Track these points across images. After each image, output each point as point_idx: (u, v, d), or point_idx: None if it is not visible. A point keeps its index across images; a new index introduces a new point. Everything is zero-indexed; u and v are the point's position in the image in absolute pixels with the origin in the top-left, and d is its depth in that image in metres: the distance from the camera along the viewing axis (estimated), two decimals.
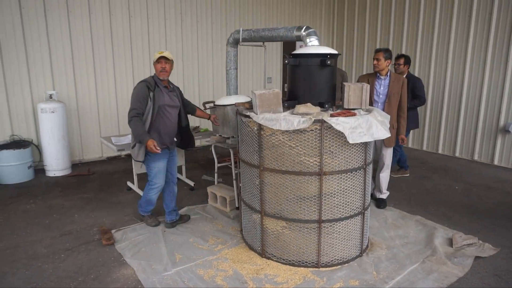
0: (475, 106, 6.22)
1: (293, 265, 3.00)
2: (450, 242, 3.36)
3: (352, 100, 3.08)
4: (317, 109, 2.91)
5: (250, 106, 3.30)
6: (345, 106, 3.11)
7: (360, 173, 2.95)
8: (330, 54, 3.04)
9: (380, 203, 4.23)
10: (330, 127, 2.68)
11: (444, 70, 6.58)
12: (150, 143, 3.07)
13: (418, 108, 5.20)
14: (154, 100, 3.27)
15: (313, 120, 2.66)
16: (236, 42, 4.31)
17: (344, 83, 3.12)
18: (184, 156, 5.07)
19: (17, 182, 5.09)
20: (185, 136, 3.76)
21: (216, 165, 4.58)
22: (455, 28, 6.35)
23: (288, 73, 3.27)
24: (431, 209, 4.22)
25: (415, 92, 4.96)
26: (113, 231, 3.61)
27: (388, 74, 4.05)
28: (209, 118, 3.96)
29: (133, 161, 4.36)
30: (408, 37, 7.14)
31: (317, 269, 2.96)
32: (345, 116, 2.76)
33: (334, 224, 2.93)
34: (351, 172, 2.88)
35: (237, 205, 4.05)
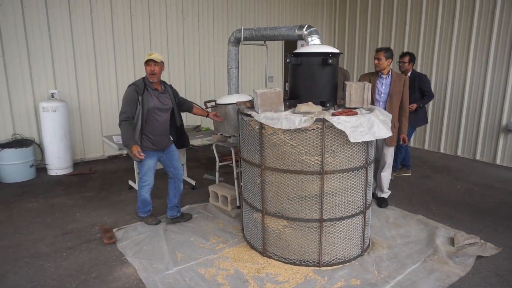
0: (477, 105, 6.20)
1: (294, 264, 3.00)
2: (452, 242, 3.35)
3: (354, 99, 3.08)
4: (319, 108, 2.91)
5: (251, 105, 3.30)
6: (347, 105, 3.11)
7: (361, 172, 2.95)
8: (332, 53, 3.04)
9: (381, 202, 4.23)
10: (332, 126, 2.67)
11: (446, 69, 6.56)
12: (134, 149, 3.21)
13: None
14: (142, 103, 3.30)
15: (314, 119, 2.65)
16: (237, 41, 4.31)
17: (346, 82, 3.12)
18: (185, 155, 5.07)
19: (19, 181, 5.11)
20: (179, 136, 3.76)
21: (218, 164, 4.58)
22: (457, 27, 6.33)
23: (290, 72, 3.27)
24: (432, 208, 4.22)
25: (422, 89, 4.95)
26: (114, 230, 3.61)
27: (390, 73, 4.05)
28: (207, 116, 3.93)
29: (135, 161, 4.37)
30: (410, 36, 7.12)
31: (318, 268, 2.96)
32: (347, 115, 2.76)
33: (335, 223, 2.93)
34: (353, 171, 2.88)
35: (238, 204, 4.05)
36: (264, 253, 3.14)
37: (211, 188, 4.27)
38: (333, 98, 3.17)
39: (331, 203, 2.88)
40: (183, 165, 5.09)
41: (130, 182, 4.89)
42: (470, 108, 6.31)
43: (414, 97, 4.90)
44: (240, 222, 3.68)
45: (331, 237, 2.95)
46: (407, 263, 3.03)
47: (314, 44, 3.40)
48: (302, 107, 2.87)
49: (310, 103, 2.95)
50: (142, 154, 3.23)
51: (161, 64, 3.38)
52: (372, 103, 4.02)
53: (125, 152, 5.85)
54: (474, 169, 5.72)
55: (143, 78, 3.42)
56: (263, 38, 4.12)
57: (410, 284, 2.75)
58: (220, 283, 2.76)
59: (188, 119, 6.74)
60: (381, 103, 4.07)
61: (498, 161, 5.97)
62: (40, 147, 5.58)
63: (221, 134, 4.19)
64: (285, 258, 3.04)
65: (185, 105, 3.84)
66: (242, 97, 3.95)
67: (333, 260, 3.01)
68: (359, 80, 4.16)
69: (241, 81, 7.07)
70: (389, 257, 3.14)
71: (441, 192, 4.74)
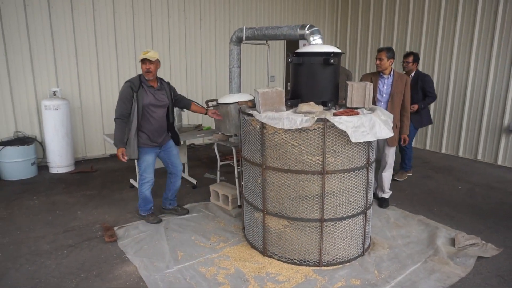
0: (479, 105, 6.19)
1: (294, 263, 3.01)
2: (453, 242, 3.35)
3: (355, 99, 3.07)
4: (320, 108, 2.91)
5: (253, 104, 3.30)
6: (348, 105, 3.10)
7: (362, 172, 2.94)
8: (334, 53, 3.03)
9: (382, 203, 4.22)
10: (333, 126, 2.67)
11: (448, 69, 6.54)
12: (119, 151, 3.40)
13: None
14: (137, 100, 3.35)
15: (316, 119, 2.65)
16: (239, 40, 4.31)
17: (348, 82, 3.11)
18: (186, 154, 5.08)
19: (21, 178, 5.12)
20: (172, 133, 3.77)
21: (219, 163, 4.59)
22: (459, 27, 6.31)
23: (291, 72, 3.26)
24: (433, 208, 4.21)
25: (425, 89, 4.91)
26: (115, 228, 3.62)
27: (391, 73, 4.04)
28: (205, 113, 3.92)
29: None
30: (412, 36, 7.10)
31: (318, 268, 2.96)
32: (348, 115, 2.75)
33: (336, 223, 2.93)
34: (354, 171, 2.88)
35: (239, 204, 4.06)
36: (264, 252, 3.14)
37: (212, 187, 4.28)
38: (335, 98, 3.16)
39: (332, 203, 2.88)
40: (184, 164, 5.11)
41: (131, 181, 4.90)
42: (472, 108, 6.30)
43: (417, 97, 4.88)
44: (241, 222, 3.68)
45: (332, 237, 2.95)
46: (407, 264, 3.03)
47: (316, 44, 3.40)
48: (303, 106, 2.87)
49: (311, 103, 2.94)
50: (125, 157, 3.41)
51: (156, 62, 3.41)
52: (374, 103, 4.01)
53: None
54: (476, 170, 5.71)
55: (140, 75, 3.46)
56: (265, 38, 4.11)
57: (411, 285, 2.75)
58: (220, 282, 2.76)
59: (190, 118, 6.75)
60: (382, 103, 4.07)
61: (499, 162, 5.96)
62: (42, 145, 5.60)
63: (223, 134, 4.19)
64: (285, 258, 3.04)
65: (182, 102, 3.86)
66: (244, 97, 3.95)
67: (333, 260, 3.01)
68: (361, 80, 4.16)
69: (243, 81, 7.05)
70: (389, 257, 3.14)
71: (442, 193, 4.73)
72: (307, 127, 2.66)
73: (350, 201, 2.94)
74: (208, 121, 6.86)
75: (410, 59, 4.93)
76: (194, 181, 4.94)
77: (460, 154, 6.50)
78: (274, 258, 3.09)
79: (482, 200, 4.49)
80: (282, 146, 2.82)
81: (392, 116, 3.02)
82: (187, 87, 7.00)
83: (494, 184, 5.03)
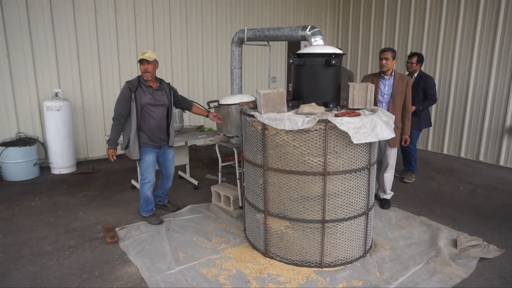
0: (481, 106, 6.18)
1: (296, 265, 3.00)
2: (455, 243, 3.34)
3: (357, 100, 3.07)
4: (322, 109, 2.91)
5: (254, 105, 3.30)
6: (350, 106, 3.10)
7: (364, 173, 2.94)
8: (335, 54, 3.03)
9: (384, 204, 4.22)
10: (335, 127, 2.67)
11: (450, 69, 6.53)
12: (109, 152, 3.54)
13: None
14: (136, 100, 3.42)
15: (317, 120, 2.65)
16: (241, 42, 4.31)
17: (349, 83, 3.11)
18: (188, 154, 5.08)
19: (23, 179, 5.14)
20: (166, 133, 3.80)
21: (220, 164, 4.59)
22: (461, 27, 6.30)
23: (293, 73, 3.26)
24: (435, 210, 4.20)
25: (426, 91, 4.87)
26: (117, 229, 3.63)
27: (393, 74, 4.04)
28: (207, 116, 3.93)
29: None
30: (414, 36, 7.10)
31: (320, 269, 2.96)
32: (350, 116, 2.75)
33: (337, 224, 2.93)
34: (355, 172, 2.88)
35: (240, 205, 4.06)
36: (266, 253, 3.14)
37: (213, 188, 4.28)
38: (336, 99, 3.16)
39: (333, 204, 2.87)
40: (185, 165, 5.12)
41: (133, 182, 4.91)
42: (474, 109, 6.28)
43: (418, 98, 4.86)
44: (242, 223, 3.68)
45: (333, 238, 2.95)
46: (409, 265, 3.02)
47: (317, 45, 3.40)
48: (305, 107, 2.87)
49: (313, 104, 2.94)
50: (114, 158, 3.55)
51: (154, 63, 3.47)
52: (375, 104, 4.01)
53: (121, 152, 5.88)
54: (478, 171, 5.70)
55: (139, 76, 3.52)
56: (267, 39, 4.11)
57: (413, 286, 2.74)
58: (222, 283, 2.76)
59: (191, 119, 6.76)
60: (384, 104, 4.07)
61: (501, 163, 5.94)
62: (43, 146, 5.61)
63: (224, 135, 4.19)
64: (287, 259, 3.04)
65: (183, 103, 3.89)
66: (245, 98, 3.95)
67: (335, 261, 3.00)
68: (362, 81, 4.16)
69: (244, 82, 7.06)
70: (391, 258, 3.13)
71: (444, 194, 4.72)
72: (308, 128, 2.66)
73: (352, 202, 2.93)
74: (210, 122, 6.86)
75: (414, 59, 4.90)
76: (195, 182, 4.94)
77: (462, 155, 6.49)
78: (275, 259, 3.08)
79: (484, 201, 4.48)
80: (283, 147, 2.82)
81: (393, 117, 3.02)
82: (189, 88, 7.01)
83: (496, 185, 5.02)
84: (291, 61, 3.13)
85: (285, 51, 8.26)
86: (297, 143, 2.77)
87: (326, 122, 2.67)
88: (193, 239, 3.44)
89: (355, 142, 2.63)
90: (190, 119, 6.74)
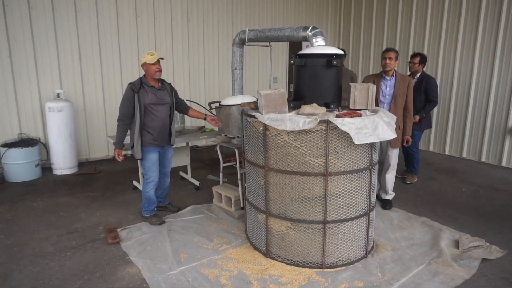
0: (483, 106, 6.16)
1: (297, 265, 3.00)
2: (457, 244, 3.33)
3: (358, 101, 3.07)
4: (323, 109, 2.90)
5: (255, 106, 3.29)
6: (351, 107, 3.10)
7: (365, 174, 2.94)
8: (336, 55, 3.03)
9: (385, 204, 4.21)
10: (336, 127, 2.67)
11: (452, 70, 6.52)
12: (115, 152, 3.57)
13: None
14: (139, 100, 3.49)
15: (318, 120, 2.65)
16: (242, 42, 4.32)
17: (350, 83, 3.11)
18: (189, 155, 5.09)
19: (25, 180, 5.15)
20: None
21: (222, 165, 4.59)
22: (463, 28, 6.29)
23: (294, 73, 3.27)
24: (437, 210, 4.19)
25: (428, 92, 4.82)
26: (118, 229, 3.63)
27: (394, 74, 4.03)
28: (204, 118, 3.89)
29: (138, 160, 4.42)
30: (415, 36, 7.09)
31: (321, 270, 2.95)
32: (351, 117, 2.75)
33: (339, 225, 2.92)
34: (357, 173, 2.87)
35: (242, 205, 4.05)
36: (267, 254, 3.14)
37: (215, 189, 4.28)
38: (337, 100, 3.16)
39: (335, 204, 2.87)
40: (187, 165, 5.12)
41: (135, 182, 4.91)
42: (475, 109, 6.27)
43: (420, 99, 4.84)
44: (244, 223, 3.68)
45: (335, 239, 2.95)
46: (411, 266, 3.01)
47: (319, 45, 3.40)
48: (306, 108, 2.87)
49: (314, 104, 2.94)
50: (121, 158, 3.58)
51: None
52: (377, 104, 4.01)
53: (129, 152, 5.90)
54: (480, 171, 5.68)
55: (141, 78, 3.60)
56: (268, 39, 4.12)
57: (414, 287, 2.74)
58: (223, 284, 2.76)
59: (193, 120, 6.76)
60: (385, 104, 4.06)
61: (504, 163, 5.92)
62: (45, 147, 5.62)
63: (225, 135, 4.20)
64: (288, 260, 3.04)
65: (181, 106, 3.94)
66: (247, 98, 3.96)
67: (336, 262, 3.00)
68: (363, 82, 4.15)
69: (246, 82, 7.06)
70: (393, 259, 3.12)
71: (446, 194, 4.71)
72: (309, 128, 2.66)
73: (353, 202, 2.93)
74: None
75: (417, 59, 4.87)
76: (197, 183, 4.94)
77: (464, 155, 6.47)
78: (277, 260, 3.08)
79: (486, 201, 4.47)
80: (284, 148, 2.82)
81: (395, 117, 3.02)
82: (190, 89, 7.02)
83: (498, 186, 5.00)
84: (292, 61, 3.14)
85: (286, 51, 8.26)
86: (298, 144, 2.77)
87: (328, 122, 2.67)
88: (194, 240, 3.44)
89: (356, 142, 2.63)
90: (191, 120, 6.75)
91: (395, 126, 2.91)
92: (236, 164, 4.32)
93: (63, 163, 5.47)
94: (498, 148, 6.01)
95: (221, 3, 7.15)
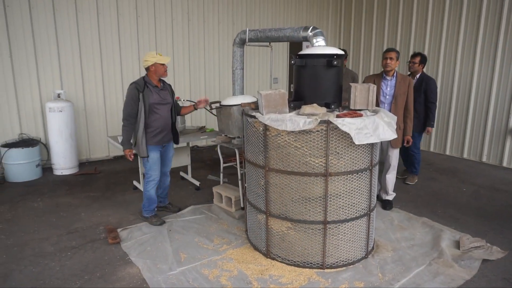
0: (483, 106, 6.15)
1: (298, 266, 3.00)
2: (457, 245, 3.33)
3: (359, 101, 3.07)
4: (323, 109, 2.90)
5: (256, 106, 3.30)
6: (352, 107, 3.10)
7: (366, 174, 2.93)
8: (337, 55, 3.03)
9: (386, 205, 4.21)
10: (336, 128, 2.66)
11: (453, 70, 6.51)
12: (127, 152, 3.59)
13: None
14: (144, 100, 3.51)
15: (319, 120, 2.65)
16: (242, 43, 4.31)
17: (351, 84, 3.11)
18: (189, 155, 5.09)
19: (25, 180, 5.15)
20: (173, 132, 3.86)
21: (222, 165, 4.59)
22: (463, 28, 6.28)
23: (294, 74, 3.26)
24: (438, 211, 4.19)
25: (427, 94, 4.78)
26: (119, 230, 3.63)
27: (395, 74, 4.03)
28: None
29: (139, 160, 4.43)
30: (416, 37, 7.08)
31: (322, 270, 2.95)
32: (352, 117, 2.75)
33: (339, 225, 2.92)
34: (357, 173, 2.87)
35: (242, 205, 4.05)
36: (267, 254, 3.14)
37: (215, 189, 4.28)
38: (338, 100, 3.16)
39: (335, 205, 2.86)
40: (187, 166, 5.12)
41: (135, 183, 4.91)
42: (476, 110, 6.26)
43: (419, 100, 4.81)
44: (244, 224, 3.68)
45: (335, 239, 2.94)
46: (411, 266, 3.01)
47: (319, 46, 3.39)
48: (306, 108, 2.86)
49: (314, 104, 2.94)
50: (132, 157, 3.59)
51: None
52: (377, 105, 4.00)
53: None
54: (481, 172, 5.67)
55: (143, 77, 3.61)
56: (268, 40, 4.11)
57: (415, 287, 2.73)
58: (223, 284, 2.76)
59: (193, 120, 6.76)
60: (386, 105, 4.06)
61: (504, 164, 5.92)
62: (46, 147, 5.63)
63: (226, 135, 4.19)
64: (288, 260, 3.03)
65: (177, 107, 3.97)
66: (247, 99, 3.96)
67: (337, 262, 2.99)
68: (364, 82, 4.15)
69: (246, 83, 7.07)
70: (393, 259, 3.12)
71: (447, 195, 4.70)
72: (310, 129, 2.66)
73: (354, 203, 2.92)
74: (211, 123, 6.88)
75: (417, 59, 4.83)
76: (197, 183, 4.94)
77: (465, 155, 6.46)
78: (277, 260, 3.08)
79: (487, 202, 4.46)
80: (285, 148, 2.82)
81: (395, 118, 3.01)
82: (191, 89, 7.02)
83: (499, 186, 4.99)
84: (292, 62, 3.13)
85: (286, 52, 8.26)
86: (299, 144, 2.76)
87: (328, 123, 2.67)
88: (194, 240, 3.44)
89: (357, 143, 2.63)
90: (192, 120, 6.75)
91: (395, 127, 2.91)
92: (236, 164, 4.32)
93: (63, 163, 5.48)
94: (499, 148, 6.00)
95: (222, 3, 7.15)
